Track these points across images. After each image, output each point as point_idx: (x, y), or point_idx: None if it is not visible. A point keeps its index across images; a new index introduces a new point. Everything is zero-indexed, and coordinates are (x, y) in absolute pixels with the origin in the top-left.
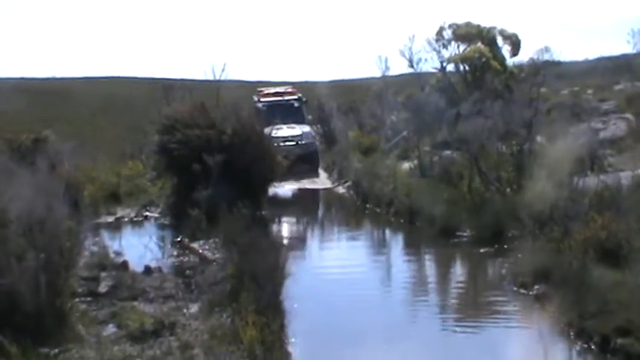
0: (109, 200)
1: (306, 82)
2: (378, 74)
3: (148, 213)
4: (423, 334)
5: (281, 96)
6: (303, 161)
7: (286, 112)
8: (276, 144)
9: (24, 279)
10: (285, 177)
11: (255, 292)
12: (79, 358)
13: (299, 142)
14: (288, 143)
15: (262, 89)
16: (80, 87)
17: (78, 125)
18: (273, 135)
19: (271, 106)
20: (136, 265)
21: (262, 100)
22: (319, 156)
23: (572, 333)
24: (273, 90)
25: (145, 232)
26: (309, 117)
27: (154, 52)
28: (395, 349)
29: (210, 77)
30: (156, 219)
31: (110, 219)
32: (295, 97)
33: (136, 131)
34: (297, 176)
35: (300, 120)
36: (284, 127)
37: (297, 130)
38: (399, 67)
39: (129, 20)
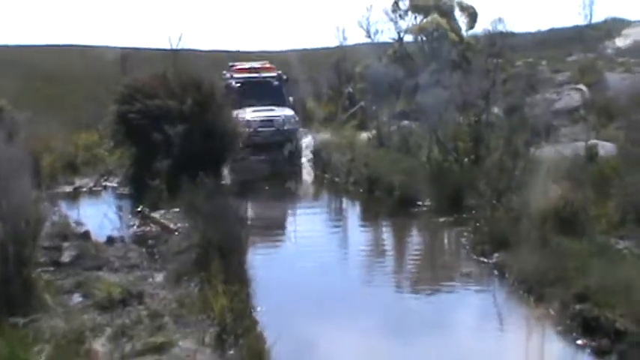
0: (67, 170)
1: (262, 52)
2: (334, 44)
3: (106, 183)
4: (382, 299)
5: (257, 72)
6: (282, 151)
7: (264, 91)
8: (251, 128)
9: None
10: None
11: (221, 261)
12: (48, 327)
13: (280, 128)
14: (265, 128)
15: (235, 64)
16: (31, 55)
17: (30, 94)
18: (247, 117)
19: (246, 83)
20: (98, 235)
21: (235, 76)
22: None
23: (532, 299)
24: (247, 65)
25: (104, 202)
26: (291, 98)
27: (109, 19)
28: (354, 313)
29: (168, 47)
30: (114, 189)
31: (68, 189)
32: (274, 73)
33: (90, 101)
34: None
35: (280, 101)
36: (261, 108)
37: (276, 112)
38: (356, 38)
39: None
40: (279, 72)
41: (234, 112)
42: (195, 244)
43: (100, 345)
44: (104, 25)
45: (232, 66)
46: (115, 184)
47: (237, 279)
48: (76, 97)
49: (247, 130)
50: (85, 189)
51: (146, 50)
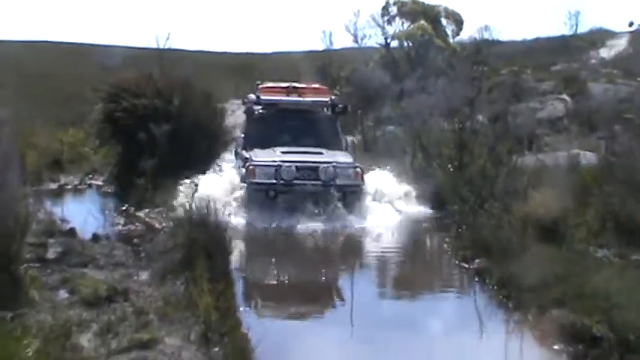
0: (52, 167)
1: (247, 54)
2: (321, 47)
3: (91, 181)
4: (361, 301)
5: (299, 94)
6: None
7: (307, 124)
8: (280, 178)
9: None
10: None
11: (206, 261)
12: (35, 322)
13: (328, 182)
14: (304, 181)
15: (263, 83)
16: (13, 51)
17: (12, 90)
18: (273, 160)
19: (279, 110)
20: (83, 233)
21: (264, 98)
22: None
23: (510, 304)
24: (284, 84)
25: (89, 200)
26: (351, 139)
27: (95, 17)
28: (332, 314)
29: (155, 46)
30: (99, 187)
31: (53, 186)
32: (325, 98)
33: (75, 98)
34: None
35: (331, 142)
36: (299, 149)
37: (324, 156)
38: (342, 42)
39: None
40: (333, 97)
41: (251, 152)
42: (181, 244)
43: (86, 340)
44: (90, 23)
45: (259, 84)
46: (100, 183)
47: (222, 279)
48: (61, 94)
49: (270, 181)
50: (70, 187)
51: (132, 49)
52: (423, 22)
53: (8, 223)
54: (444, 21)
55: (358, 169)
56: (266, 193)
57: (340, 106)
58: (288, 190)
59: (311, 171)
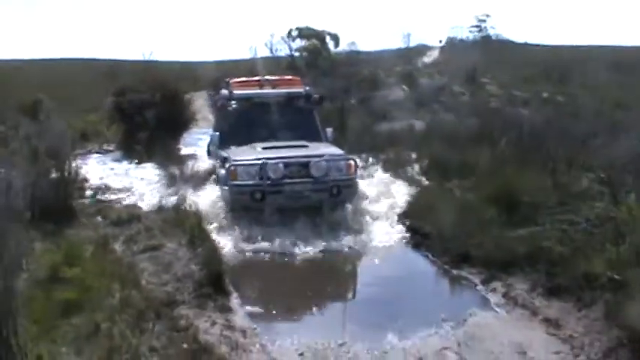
0: (81, 139)
1: (189, 62)
2: (248, 57)
3: (106, 147)
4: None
5: (272, 86)
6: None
7: (284, 117)
8: (268, 177)
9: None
10: None
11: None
12: (86, 235)
13: (321, 179)
14: (295, 180)
15: (234, 79)
16: (39, 67)
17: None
18: (256, 158)
19: (253, 104)
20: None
21: (236, 92)
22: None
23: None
24: (255, 77)
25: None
26: (329, 130)
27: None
28: None
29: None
30: (110, 151)
31: (82, 151)
32: (300, 89)
33: (92, 95)
34: None
35: (311, 134)
36: (282, 143)
37: (311, 149)
38: (263, 53)
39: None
40: (307, 88)
41: (228, 151)
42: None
43: (117, 246)
44: (97, 41)
45: (229, 82)
46: (111, 148)
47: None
48: (82, 92)
49: (255, 181)
50: (92, 151)
51: (127, 61)
52: (314, 40)
53: (66, 173)
54: (327, 38)
55: (351, 161)
56: (251, 196)
57: (316, 96)
58: (276, 190)
59: (301, 167)
